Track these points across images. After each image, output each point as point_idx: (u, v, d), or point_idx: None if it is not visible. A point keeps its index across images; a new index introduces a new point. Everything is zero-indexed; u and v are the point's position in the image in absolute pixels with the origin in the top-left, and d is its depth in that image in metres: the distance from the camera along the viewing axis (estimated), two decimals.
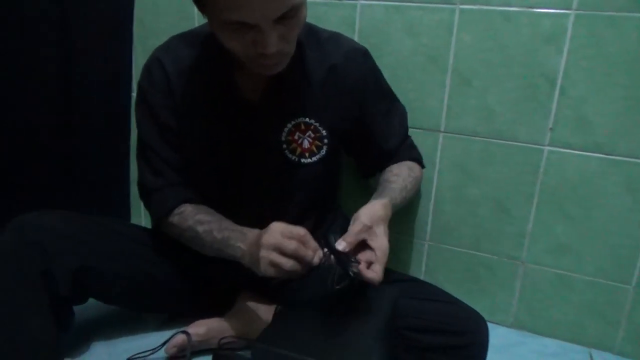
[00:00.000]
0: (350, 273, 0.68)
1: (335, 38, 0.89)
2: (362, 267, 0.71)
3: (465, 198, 1.04)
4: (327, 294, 0.72)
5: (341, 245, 0.71)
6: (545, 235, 1.00)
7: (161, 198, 0.87)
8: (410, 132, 1.01)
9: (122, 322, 1.00)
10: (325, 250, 0.71)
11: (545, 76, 0.92)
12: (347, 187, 1.11)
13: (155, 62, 0.86)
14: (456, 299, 0.87)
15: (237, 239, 0.78)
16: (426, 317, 0.81)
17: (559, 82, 0.92)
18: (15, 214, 0.81)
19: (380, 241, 0.73)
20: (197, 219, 0.84)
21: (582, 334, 1.02)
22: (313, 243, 0.71)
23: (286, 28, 0.69)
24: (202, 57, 0.85)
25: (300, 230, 0.71)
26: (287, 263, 0.69)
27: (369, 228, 0.73)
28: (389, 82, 0.96)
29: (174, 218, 0.86)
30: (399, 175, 0.89)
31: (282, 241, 0.69)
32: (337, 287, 0.71)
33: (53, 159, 1.16)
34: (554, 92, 0.93)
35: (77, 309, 0.87)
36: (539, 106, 0.94)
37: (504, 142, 0.98)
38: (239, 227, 0.81)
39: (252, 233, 0.77)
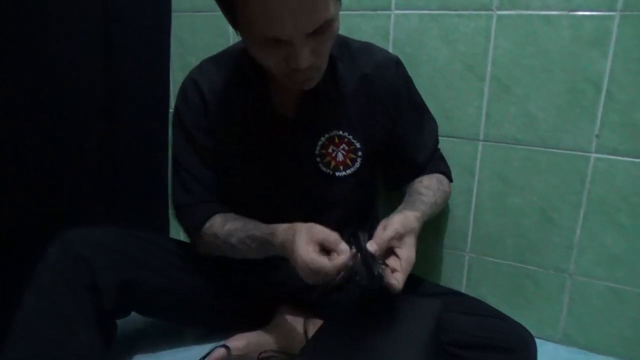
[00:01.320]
0: (375, 272, 0.67)
1: (367, 48, 0.88)
2: (387, 271, 0.69)
3: (508, 208, 1.00)
4: (354, 296, 0.70)
5: (372, 247, 0.69)
6: (595, 246, 0.95)
7: (192, 214, 0.88)
8: (448, 141, 0.99)
9: (162, 336, 1.01)
10: (354, 249, 0.69)
11: (590, 80, 0.89)
12: (384, 198, 1.10)
13: (190, 83, 0.87)
14: (502, 313, 0.84)
15: (270, 232, 0.77)
16: (471, 333, 0.79)
17: (604, 86, 0.88)
18: (60, 228, 0.83)
19: (407, 252, 0.71)
20: (227, 230, 0.84)
21: (637, 351, 0.96)
22: (344, 245, 0.69)
23: (318, 42, 0.69)
24: (236, 75, 0.86)
25: (331, 236, 0.69)
26: (324, 270, 0.67)
27: (401, 236, 0.72)
28: (424, 91, 0.95)
29: (206, 231, 0.86)
30: (430, 189, 0.88)
31: (316, 257, 0.68)
32: (362, 286, 0.69)
33: (95, 174, 1.20)
34: (599, 96, 0.89)
35: (118, 322, 0.88)
36: (583, 112, 0.90)
37: (548, 149, 0.94)
38: (266, 231, 0.79)
39: (284, 232, 0.75)
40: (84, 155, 1.16)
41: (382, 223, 0.74)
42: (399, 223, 0.73)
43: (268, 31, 0.65)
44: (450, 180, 0.97)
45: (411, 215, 0.76)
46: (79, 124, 1.14)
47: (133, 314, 0.91)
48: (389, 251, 0.72)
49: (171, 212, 1.40)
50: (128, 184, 1.28)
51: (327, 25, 0.67)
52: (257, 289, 0.94)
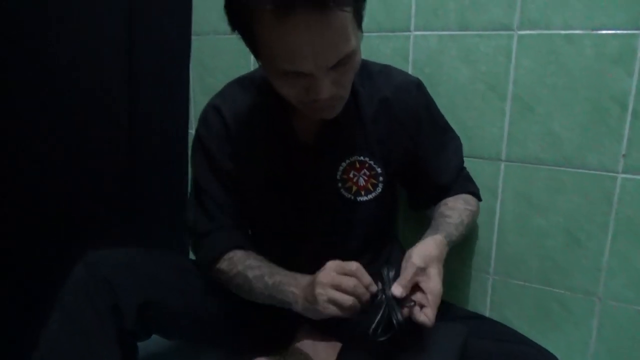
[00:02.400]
0: (394, 322, 0.66)
1: (386, 71, 0.88)
2: (416, 309, 0.68)
3: (532, 229, 0.98)
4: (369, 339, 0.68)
5: (398, 290, 0.68)
6: (624, 268, 0.92)
7: (212, 241, 0.87)
8: (470, 161, 0.98)
9: (181, 358, 1.01)
10: (380, 285, 0.69)
11: (615, 99, 0.87)
12: (404, 215, 1.09)
13: (211, 109, 0.88)
14: (528, 339, 0.81)
15: (290, 283, 0.77)
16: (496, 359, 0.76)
17: (630, 105, 0.86)
18: (82, 248, 0.84)
19: (432, 284, 0.69)
20: (248, 264, 0.83)
21: None
22: (367, 278, 0.69)
23: (340, 73, 0.69)
24: (258, 101, 0.87)
25: (352, 265, 0.69)
26: (348, 300, 0.67)
27: (422, 270, 0.70)
28: (445, 111, 0.94)
29: (223, 264, 0.85)
30: (455, 209, 0.86)
31: (340, 278, 0.68)
32: (380, 338, 0.67)
33: (115, 195, 1.21)
34: (625, 115, 0.87)
35: (140, 345, 0.88)
36: (609, 131, 0.89)
37: (573, 169, 0.92)
38: (290, 273, 0.79)
39: (303, 278, 0.76)
40: (105, 175, 1.18)
41: (406, 255, 0.72)
42: (417, 256, 0.71)
43: (289, 65, 0.66)
44: (479, 199, 0.95)
45: (431, 243, 0.74)
46: (101, 146, 1.16)
47: (154, 337, 0.91)
48: (415, 286, 0.70)
49: None
50: (148, 205, 1.30)
51: (349, 57, 0.67)
52: (277, 310, 0.93)
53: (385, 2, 1.02)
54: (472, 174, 0.98)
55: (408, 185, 0.96)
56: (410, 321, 0.68)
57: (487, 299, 1.06)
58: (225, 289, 0.91)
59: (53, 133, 1.07)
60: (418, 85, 0.88)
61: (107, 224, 1.20)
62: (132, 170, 1.24)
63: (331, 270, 0.70)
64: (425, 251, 0.72)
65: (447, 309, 0.92)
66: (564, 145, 0.92)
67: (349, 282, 0.68)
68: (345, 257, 0.76)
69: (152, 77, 1.24)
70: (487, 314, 1.06)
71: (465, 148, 0.99)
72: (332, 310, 0.68)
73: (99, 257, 0.82)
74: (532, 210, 0.98)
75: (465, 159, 0.99)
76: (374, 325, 0.66)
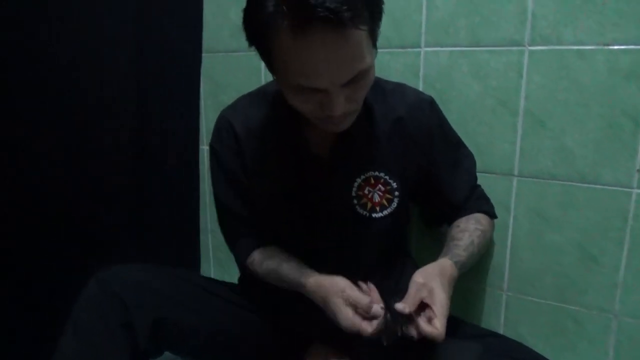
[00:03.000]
0: (398, 332, 0.67)
1: (400, 89, 0.89)
2: (422, 322, 0.68)
3: (546, 245, 0.97)
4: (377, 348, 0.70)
5: (400, 305, 0.69)
6: None
7: (236, 251, 0.93)
8: (482, 176, 0.97)
9: None
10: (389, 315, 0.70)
11: (628, 114, 0.87)
12: (417, 231, 1.08)
13: (224, 123, 0.89)
14: (543, 356, 0.80)
15: (305, 277, 0.80)
16: None
17: None
18: (94, 265, 0.85)
19: (437, 296, 0.70)
20: (264, 268, 0.87)
21: None
22: (375, 309, 0.70)
23: (354, 90, 0.70)
24: (271, 115, 0.87)
25: (364, 300, 0.71)
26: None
27: (423, 285, 0.71)
28: (456, 126, 0.94)
29: (249, 268, 0.91)
30: (465, 231, 0.86)
31: (359, 322, 0.71)
32: (385, 343, 0.69)
33: (127, 211, 1.22)
34: (639, 130, 0.86)
35: None
36: (623, 147, 0.88)
37: (587, 185, 0.92)
38: (297, 275, 0.82)
39: (309, 290, 0.79)
40: (116, 191, 1.19)
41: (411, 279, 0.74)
42: (418, 274, 0.73)
43: (304, 81, 0.67)
44: (493, 217, 0.95)
45: (436, 264, 0.76)
46: (113, 162, 1.17)
47: (165, 354, 0.90)
48: (423, 305, 0.71)
49: (202, 248, 1.41)
50: (159, 221, 1.30)
51: (363, 74, 0.68)
52: (289, 327, 0.93)
53: (394, 19, 1.02)
54: (485, 189, 0.98)
55: (422, 202, 0.96)
56: (422, 338, 0.68)
57: (500, 316, 1.05)
58: (238, 303, 0.93)
59: (69, 153, 1.09)
60: (431, 104, 0.89)
61: (119, 240, 1.20)
62: (143, 187, 1.25)
63: (349, 313, 0.71)
64: (427, 270, 0.74)
65: (460, 326, 0.91)
66: (577, 160, 0.92)
67: (367, 328, 0.70)
68: (358, 272, 0.80)
69: (163, 94, 1.25)
70: (501, 331, 1.04)
71: (477, 163, 0.99)
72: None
73: (111, 274, 0.82)
74: (545, 226, 0.97)
75: (477, 174, 0.99)
76: (382, 337, 0.68)
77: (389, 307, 0.70)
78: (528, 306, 1.01)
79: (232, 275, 1.00)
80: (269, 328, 0.94)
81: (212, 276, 1.41)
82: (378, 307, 0.70)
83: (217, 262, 1.40)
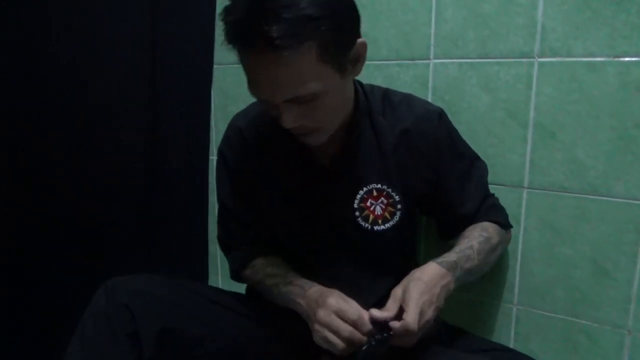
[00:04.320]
0: (372, 341, 0.68)
1: (408, 101, 0.89)
2: (393, 322, 0.69)
3: (557, 258, 0.96)
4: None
5: (379, 314, 0.70)
6: None
7: (235, 255, 0.95)
8: (492, 188, 0.97)
9: None
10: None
11: None
12: (426, 242, 1.08)
13: (233, 128, 0.92)
14: None
15: (298, 294, 0.80)
16: None
17: None
18: (102, 275, 0.85)
19: (410, 293, 0.70)
20: (266, 272, 0.89)
21: None
22: (366, 326, 0.70)
23: (307, 109, 0.72)
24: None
25: (353, 314, 0.71)
26: (339, 345, 0.71)
27: (400, 292, 0.72)
28: (466, 138, 0.94)
29: (247, 272, 0.93)
30: (466, 238, 0.85)
31: (338, 323, 0.71)
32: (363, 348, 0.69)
33: (135, 221, 1.23)
34: None
35: None
36: (635, 159, 0.87)
37: (599, 197, 0.91)
38: (302, 282, 0.83)
39: (313, 290, 0.79)
40: (126, 200, 1.20)
41: None
42: (399, 285, 0.74)
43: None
44: (505, 226, 0.93)
45: (418, 269, 0.76)
46: (123, 173, 1.18)
47: None
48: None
49: (211, 257, 1.41)
50: (168, 231, 1.31)
51: (314, 97, 0.70)
52: (297, 338, 0.92)
53: (403, 31, 1.03)
54: None
55: (432, 214, 0.96)
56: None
57: (511, 330, 1.03)
58: (246, 314, 0.92)
59: (78, 158, 1.10)
60: (440, 115, 0.88)
61: (128, 249, 1.21)
62: (152, 197, 1.25)
63: (332, 311, 0.72)
64: (407, 278, 0.74)
65: (472, 340, 0.90)
66: (588, 173, 0.91)
67: (345, 331, 0.70)
68: (362, 284, 0.82)
69: (174, 106, 1.27)
70: (511, 345, 1.03)
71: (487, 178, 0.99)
72: (325, 346, 0.73)
73: (118, 284, 0.82)
74: (557, 239, 0.96)
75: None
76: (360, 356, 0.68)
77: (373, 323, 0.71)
78: (539, 320, 1.00)
79: (239, 285, 1.00)
80: (276, 339, 0.93)
81: (220, 286, 1.40)
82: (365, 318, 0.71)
83: (225, 272, 1.39)
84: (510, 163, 0.97)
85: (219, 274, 1.42)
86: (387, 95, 0.88)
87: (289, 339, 0.93)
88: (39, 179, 1.04)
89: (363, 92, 0.87)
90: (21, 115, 1.00)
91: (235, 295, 0.98)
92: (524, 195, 0.98)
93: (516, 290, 1.01)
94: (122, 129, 1.16)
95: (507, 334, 1.04)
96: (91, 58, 1.08)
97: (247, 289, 1.01)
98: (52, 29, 1.02)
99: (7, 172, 1.00)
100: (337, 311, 0.72)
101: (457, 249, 0.82)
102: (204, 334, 0.87)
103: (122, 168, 1.18)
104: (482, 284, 1.04)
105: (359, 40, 0.73)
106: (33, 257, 1.06)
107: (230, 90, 1.29)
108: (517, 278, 1.01)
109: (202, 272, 1.41)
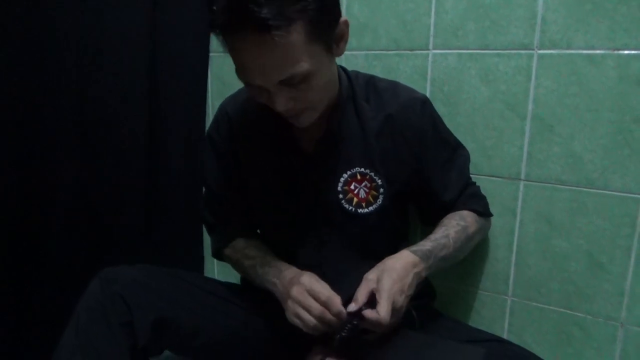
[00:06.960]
0: (343, 333, 0.70)
1: (393, 88, 0.89)
2: (367, 310, 0.71)
3: (553, 251, 0.96)
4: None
5: (352, 307, 0.72)
6: None
7: (218, 234, 0.98)
8: (488, 180, 0.97)
9: None
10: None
11: (638, 121, 0.86)
12: (422, 230, 1.08)
13: (221, 111, 0.94)
14: None
15: (275, 275, 0.83)
16: None
17: None
18: (98, 265, 0.85)
19: (382, 283, 0.72)
20: (245, 253, 0.91)
21: None
22: (336, 307, 0.73)
23: (298, 91, 0.72)
24: (266, 107, 0.87)
25: (324, 294, 0.74)
26: (310, 322, 0.74)
27: (371, 280, 0.74)
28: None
29: (227, 250, 0.96)
30: (443, 226, 0.86)
31: (309, 301, 0.74)
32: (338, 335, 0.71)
33: (131, 212, 1.22)
34: None
35: None
36: (633, 153, 0.87)
37: (596, 191, 0.91)
38: (278, 263, 0.86)
39: (288, 271, 0.82)
40: (123, 192, 1.19)
41: None
42: (371, 272, 0.75)
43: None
44: (485, 215, 0.94)
45: (390, 257, 0.77)
46: (120, 162, 1.17)
47: (165, 352, 0.90)
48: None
49: (206, 249, 1.41)
50: (165, 221, 1.30)
51: (304, 77, 0.70)
52: (290, 328, 0.92)
53: (403, 21, 1.02)
54: (491, 193, 0.97)
55: (414, 201, 0.96)
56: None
57: (505, 322, 1.04)
58: (240, 305, 0.92)
59: (80, 151, 1.10)
60: (423, 102, 0.88)
61: (125, 239, 1.20)
62: (149, 187, 1.24)
63: (304, 289, 0.75)
64: (380, 265, 0.76)
65: (465, 330, 0.90)
66: (585, 166, 0.91)
67: (316, 309, 0.73)
68: (347, 267, 0.84)
69: (171, 94, 1.26)
70: (505, 336, 1.03)
71: (484, 167, 0.98)
72: (297, 323, 0.76)
73: (113, 274, 0.82)
74: (552, 232, 0.96)
75: (483, 177, 0.98)
76: (335, 343, 0.71)
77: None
78: (533, 312, 1.00)
79: (235, 275, 1.00)
80: (270, 329, 0.93)
81: (216, 276, 1.40)
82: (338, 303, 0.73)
83: (221, 263, 1.40)
84: (508, 155, 0.97)
85: (215, 264, 1.41)
86: (372, 81, 0.88)
87: (283, 329, 0.93)
88: (38, 172, 1.04)
89: (347, 77, 0.87)
90: (20, 108, 1.00)
91: (230, 285, 0.98)
92: (521, 187, 0.98)
93: (511, 282, 1.02)
94: (120, 122, 1.15)
95: (501, 326, 1.04)
96: (92, 50, 1.07)
97: (242, 280, 1.01)
98: (56, 21, 1.01)
99: (7, 171, 0.99)
100: (309, 290, 0.75)
101: (432, 237, 0.83)
102: (199, 324, 0.87)
103: (120, 158, 1.17)
104: (476, 276, 1.04)
105: (342, 18, 0.74)
106: (33, 257, 1.05)
107: (227, 78, 1.28)
108: (512, 270, 1.01)
109: (198, 262, 1.41)
